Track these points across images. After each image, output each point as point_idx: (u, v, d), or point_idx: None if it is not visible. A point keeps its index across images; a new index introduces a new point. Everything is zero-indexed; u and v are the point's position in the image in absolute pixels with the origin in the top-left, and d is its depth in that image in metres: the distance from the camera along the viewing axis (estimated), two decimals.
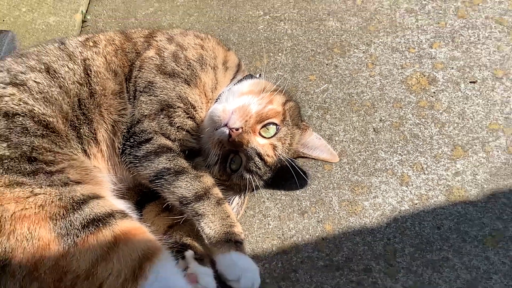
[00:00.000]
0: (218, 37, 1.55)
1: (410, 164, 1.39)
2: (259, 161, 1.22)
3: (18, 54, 1.32)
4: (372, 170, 1.39)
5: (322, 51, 1.67)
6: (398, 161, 1.39)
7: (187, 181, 1.20)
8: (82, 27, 1.74)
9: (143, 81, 1.27)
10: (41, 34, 1.70)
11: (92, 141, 1.25)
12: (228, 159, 1.26)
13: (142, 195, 1.34)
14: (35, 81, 1.23)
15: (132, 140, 1.24)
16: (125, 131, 1.26)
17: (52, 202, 1.11)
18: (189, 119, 1.28)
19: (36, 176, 1.13)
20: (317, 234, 1.30)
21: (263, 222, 1.38)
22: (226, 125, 1.20)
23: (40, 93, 1.21)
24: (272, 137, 1.24)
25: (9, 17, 1.75)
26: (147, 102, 1.24)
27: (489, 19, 1.66)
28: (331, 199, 1.34)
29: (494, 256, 1.20)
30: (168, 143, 1.24)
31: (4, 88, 1.20)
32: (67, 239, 1.08)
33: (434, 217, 1.28)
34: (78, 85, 1.24)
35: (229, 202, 1.28)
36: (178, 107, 1.26)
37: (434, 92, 1.52)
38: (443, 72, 1.56)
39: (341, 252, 1.25)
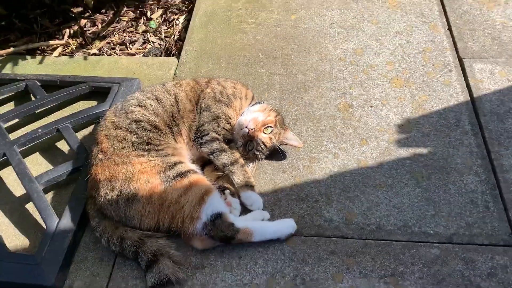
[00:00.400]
0: (243, 81, 2.35)
1: (339, 148, 2.12)
2: (262, 145, 1.99)
3: (141, 90, 2.11)
4: (320, 150, 2.12)
5: (296, 90, 2.40)
6: (333, 146, 2.13)
7: (226, 155, 1.94)
8: (174, 76, 2.55)
9: (204, 104, 2.04)
10: (153, 80, 2.51)
11: (178, 135, 1.96)
12: (247, 144, 2.00)
13: (203, 162, 2.04)
14: (150, 104, 1.97)
15: (198, 134, 1.98)
16: (195, 129, 1.99)
17: (158, 164, 1.77)
18: (228, 124, 2.04)
19: (151, 152, 1.83)
20: (291, 183, 2.01)
21: (264, 176, 2.06)
22: (246, 127, 1.97)
23: (153, 110, 1.95)
24: (269, 133, 1.99)
25: (137, 71, 2.57)
26: (206, 116, 2.01)
27: (381, 75, 2.45)
28: (298, 165, 2.08)
29: (381, 194, 1.94)
30: (217, 136, 1.98)
31: (135, 107, 1.96)
32: (166, 183, 1.73)
33: (351, 174, 2.02)
34: (171, 106, 1.99)
35: (247, 166, 2.01)
36: (222, 118, 2.02)
37: (351, 112, 2.27)
38: (356, 101, 2.32)
39: (303, 191, 1.97)
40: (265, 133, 2.01)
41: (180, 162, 1.82)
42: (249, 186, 1.91)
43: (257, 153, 2.02)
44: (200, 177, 1.80)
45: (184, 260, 1.77)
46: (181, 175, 1.75)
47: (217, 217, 1.71)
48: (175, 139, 1.96)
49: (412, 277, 1.70)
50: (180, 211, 1.70)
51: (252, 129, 1.97)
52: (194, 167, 1.92)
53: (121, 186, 1.74)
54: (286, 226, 1.81)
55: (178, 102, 2.02)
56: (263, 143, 2.01)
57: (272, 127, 2.02)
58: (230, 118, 2.07)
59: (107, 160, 1.81)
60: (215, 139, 1.97)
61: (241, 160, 1.97)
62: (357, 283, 1.70)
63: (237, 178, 1.91)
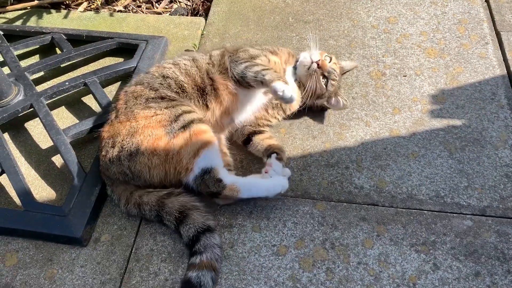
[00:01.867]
0: (272, 45, 2.43)
1: (371, 116, 2.09)
2: (334, 72, 1.96)
3: (180, 54, 2.04)
4: (351, 118, 2.09)
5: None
6: (364, 114, 2.10)
7: (260, 67, 1.79)
8: (201, 37, 2.51)
9: (241, 50, 1.94)
10: (180, 39, 2.47)
11: (212, 96, 1.83)
12: (316, 83, 1.94)
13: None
14: (184, 64, 1.87)
15: (232, 62, 1.86)
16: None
17: (165, 119, 1.67)
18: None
19: (160, 103, 1.71)
20: (321, 149, 1.99)
21: (293, 141, 2.03)
22: (312, 62, 1.94)
23: (185, 70, 1.85)
24: (331, 62, 1.99)
25: (164, 30, 2.50)
26: (242, 54, 1.90)
27: (415, 45, 2.40)
28: (329, 131, 2.05)
29: (413, 164, 1.90)
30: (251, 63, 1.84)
31: (169, 64, 1.89)
32: (169, 135, 1.65)
33: (383, 143, 1.98)
34: (207, 65, 1.88)
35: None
36: (262, 56, 1.92)
37: (384, 80, 2.23)
38: (389, 70, 2.28)
39: (333, 158, 1.95)
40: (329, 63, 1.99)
41: (188, 112, 1.72)
42: (282, 80, 1.69)
43: (333, 82, 1.98)
44: (202, 129, 1.69)
45: (213, 217, 1.74)
46: (184, 126, 1.67)
47: (207, 172, 1.66)
48: (206, 105, 1.85)
49: (443, 247, 1.68)
50: (179, 163, 1.66)
51: (319, 60, 1.94)
52: (201, 114, 1.81)
53: (122, 141, 1.67)
54: (274, 184, 1.72)
55: (212, 57, 1.94)
56: (334, 69, 1.98)
57: (329, 56, 2.02)
58: (269, 61, 1.92)
59: (116, 119, 1.76)
60: (248, 61, 1.85)
61: (275, 71, 1.79)
62: (388, 250, 1.68)
63: (269, 76, 1.70)
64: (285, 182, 1.72)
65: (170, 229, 1.73)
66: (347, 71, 2.15)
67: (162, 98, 1.76)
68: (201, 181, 1.67)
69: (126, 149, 1.66)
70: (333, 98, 2.03)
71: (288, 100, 1.67)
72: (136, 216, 1.77)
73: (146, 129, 1.67)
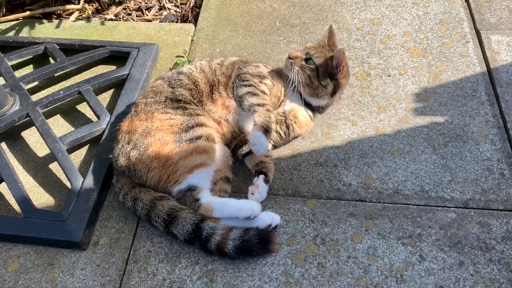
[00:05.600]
0: (260, 49, 2.45)
1: (357, 115, 2.16)
2: (311, 60, 1.95)
3: (202, 59, 2.17)
4: (338, 118, 2.15)
5: None
6: (351, 114, 2.17)
7: (257, 98, 1.84)
8: (191, 42, 2.57)
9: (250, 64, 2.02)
10: (171, 46, 2.55)
11: (217, 93, 1.92)
12: (300, 75, 1.93)
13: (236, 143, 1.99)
14: (200, 64, 2.00)
15: (238, 78, 1.92)
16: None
17: (177, 125, 1.77)
18: (267, 88, 1.94)
19: (177, 110, 1.82)
20: (310, 149, 2.04)
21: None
22: (288, 58, 1.97)
23: (201, 68, 1.97)
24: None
25: (155, 37, 2.58)
26: (252, 68, 1.98)
27: (398, 45, 2.47)
28: (317, 131, 2.11)
29: (399, 160, 1.97)
30: (256, 88, 1.89)
31: (187, 65, 2.05)
32: (175, 144, 1.73)
33: (369, 141, 2.05)
34: (219, 66, 1.99)
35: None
36: (268, 78, 1.97)
37: (369, 80, 2.30)
38: (374, 70, 2.35)
39: (322, 157, 2.01)
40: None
41: (200, 125, 1.80)
42: (264, 128, 1.74)
43: (308, 72, 1.95)
44: (205, 148, 1.76)
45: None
46: (192, 140, 1.75)
47: (191, 189, 1.73)
48: (212, 98, 1.93)
49: (429, 239, 1.76)
50: (174, 172, 1.73)
51: (291, 53, 1.99)
52: (214, 131, 1.86)
53: (136, 140, 1.77)
54: (246, 207, 1.72)
55: (222, 67, 2.02)
56: (307, 52, 1.98)
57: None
58: (273, 85, 1.99)
59: (136, 115, 1.86)
60: (252, 85, 1.90)
61: (269, 107, 1.83)
62: (376, 244, 1.75)
63: (258, 117, 1.77)
64: (257, 207, 1.72)
65: (158, 230, 1.79)
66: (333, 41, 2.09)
67: (178, 100, 1.87)
68: (182, 195, 1.75)
69: (137, 147, 1.76)
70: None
71: (255, 152, 1.76)
72: (129, 209, 1.83)
73: (158, 132, 1.76)
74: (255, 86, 1.87)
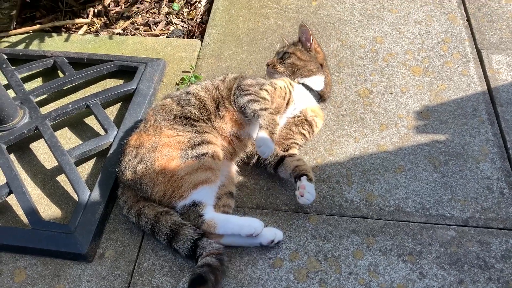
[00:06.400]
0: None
1: (359, 132, 2.19)
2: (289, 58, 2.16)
3: (206, 78, 2.28)
4: (341, 134, 2.18)
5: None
6: (353, 130, 2.19)
7: (259, 104, 1.88)
8: (197, 57, 2.62)
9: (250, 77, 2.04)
10: (178, 61, 2.59)
11: (223, 108, 1.94)
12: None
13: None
14: (205, 83, 2.04)
15: (238, 88, 1.95)
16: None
17: (183, 141, 1.80)
18: (269, 95, 1.98)
19: (185, 126, 1.85)
20: (313, 164, 2.08)
21: None
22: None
23: (206, 87, 2.01)
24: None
25: (162, 52, 2.61)
26: (250, 80, 2.01)
27: (400, 63, 2.51)
28: (320, 147, 2.15)
29: (400, 178, 2.00)
30: (256, 96, 1.93)
31: (193, 84, 2.08)
32: (182, 159, 1.76)
33: (371, 158, 2.08)
34: (222, 82, 2.03)
35: None
36: (268, 85, 2.00)
37: (371, 98, 2.34)
38: (376, 88, 2.39)
39: (325, 173, 2.04)
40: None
41: (206, 143, 1.82)
42: (269, 131, 1.78)
43: (289, 61, 2.16)
44: (210, 166, 1.79)
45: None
46: (197, 156, 1.78)
47: (195, 205, 1.76)
48: (218, 115, 1.95)
49: (429, 256, 1.79)
50: (179, 188, 1.75)
51: (267, 62, 2.21)
52: (220, 149, 1.88)
53: (143, 154, 1.80)
54: (247, 225, 1.74)
55: (224, 83, 2.06)
56: (281, 51, 2.21)
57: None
58: (274, 89, 2.02)
59: (145, 130, 1.90)
60: (252, 94, 1.93)
61: (272, 111, 1.87)
62: (377, 261, 1.78)
63: (262, 120, 1.80)
64: (259, 225, 1.74)
65: (162, 244, 1.82)
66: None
67: (187, 117, 1.90)
68: (186, 210, 1.77)
69: (144, 161, 1.79)
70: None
71: (261, 154, 1.79)
72: (133, 223, 1.86)
73: (165, 147, 1.79)
74: (255, 94, 1.91)
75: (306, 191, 1.83)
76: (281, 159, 1.98)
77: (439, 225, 1.88)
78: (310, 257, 1.81)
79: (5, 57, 2.57)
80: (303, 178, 1.87)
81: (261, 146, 1.76)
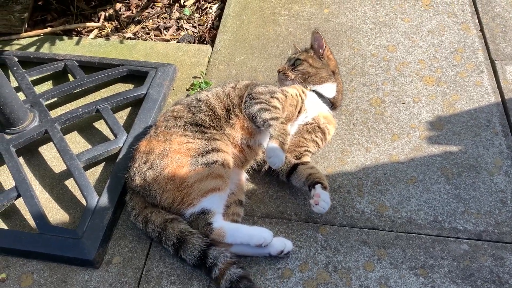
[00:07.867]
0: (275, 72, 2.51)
1: (371, 142, 2.16)
2: (300, 65, 2.15)
3: (216, 85, 2.17)
4: (352, 144, 2.16)
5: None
6: (365, 140, 2.17)
7: (270, 113, 1.86)
8: (208, 63, 2.61)
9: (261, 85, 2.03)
10: (188, 67, 2.57)
11: (234, 116, 1.92)
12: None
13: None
14: (216, 90, 2.02)
15: (250, 96, 1.94)
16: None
17: (194, 149, 1.78)
18: (280, 104, 1.96)
19: (196, 133, 1.84)
20: (324, 174, 2.02)
21: None
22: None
23: (217, 94, 1.99)
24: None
25: (172, 57, 2.60)
26: (261, 88, 1.99)
27: (413, 73, 2.49)
28: (331, 156, 2.13)
29: (412, 189, 1.97)
30: (267, 105, 1.91)
31: (204, 91, 2.06)
32: (191, 166, 1.75)
33: (383, 168, 2.05)
34: (233, 89, 2.02)
35: None
36: (279, 92, 1.99)
37: (383, 107, 2.32)
38: (388, 97, 2.37)
39: (335, 183, 2.01)
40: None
41: (216, 151, 1.80)
42: (280, 141, 1.75)
43: (300, 68, 2.14)
44: (220, 174, 1.77)
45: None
46: (207, 164, 1.76)
47: (204, 213, 1.73)
48: (229, 122, 1.94)
49: (441, 270, 1.75)
50: (189, 195, 1.73)
51: (278, 69, 2.21)
52: (230, 156, 1.86)
53: (153, 160, 1.78)
54: (256, 236, 1.72)
55: (236, 90, 2.04)
56: (293, 58, 2.20)
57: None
58: (285, 97, 2.00)
59: (155, 136, 1.88)
60: (263, 102, 1.91)
61: (283, 120, 1.85)
62: (388, 273, 1.75)
63: (273, 130, 1.78)
64: (268, 235, 1.72)
65: (169, 252, 1.80)
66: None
67: (198, 124, 1.89)
68: (195, 218, 1.74)
69: (154, 168, 1.77)
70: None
71: (271, 164, 1.77)
72: (141, 230, 1.84)
73: (175, 154, 1.78)
74: (266, 103, 1.88)
75: (321, 200, 1.79)
76: (294, 167, 1.96)
77: (451, 239, 1.85)
78: (320, 268, 1.78)
79: (16, 59, 2.56)
80: (318, 186, 1.83)
81: (271, 156, 1.74)
